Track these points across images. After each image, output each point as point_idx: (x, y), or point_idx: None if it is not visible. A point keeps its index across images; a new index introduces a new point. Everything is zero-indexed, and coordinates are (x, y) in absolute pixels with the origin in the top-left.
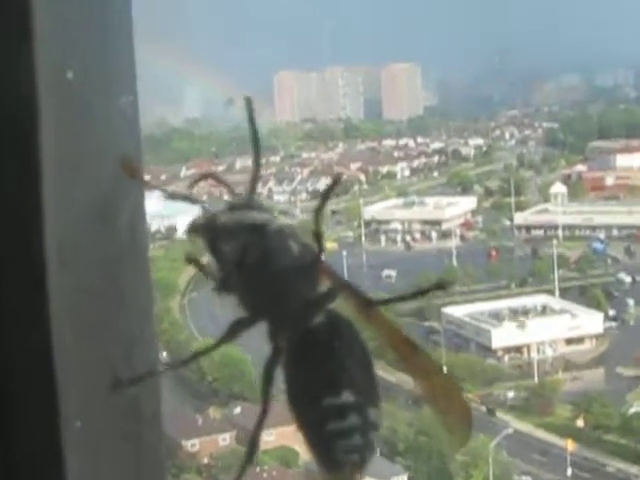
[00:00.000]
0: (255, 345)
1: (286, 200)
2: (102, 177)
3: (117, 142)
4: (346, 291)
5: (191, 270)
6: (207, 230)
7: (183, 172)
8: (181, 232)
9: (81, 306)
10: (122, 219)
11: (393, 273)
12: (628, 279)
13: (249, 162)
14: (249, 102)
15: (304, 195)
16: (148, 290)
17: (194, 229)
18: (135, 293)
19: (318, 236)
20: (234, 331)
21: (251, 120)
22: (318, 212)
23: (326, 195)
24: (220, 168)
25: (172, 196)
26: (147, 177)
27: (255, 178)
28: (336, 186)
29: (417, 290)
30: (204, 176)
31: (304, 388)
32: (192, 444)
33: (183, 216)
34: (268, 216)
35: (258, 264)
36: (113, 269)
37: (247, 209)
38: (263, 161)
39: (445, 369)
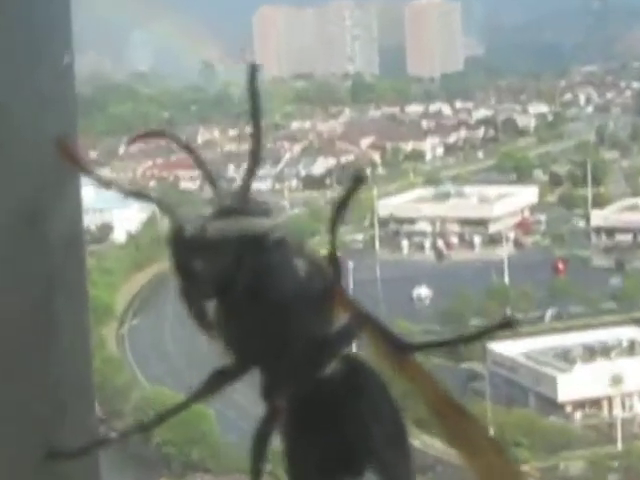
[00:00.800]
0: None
1: (268, 188)
2: (27, 167)
3: (46, 119)
4: (371, 329)
5: (133, 286)
6: (179, 245)
7: (123, 147)
8: (119, 232)
9: None
10: (54, 224)
11: (427, 292)
12: None
13: (216, 133)
14: (253, 70)
15: (294, 182)
16: (84, 320)
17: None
18: (70, 324)
19: (333, 256)
20: (214, 385)
21: (253, 91)
22: (334, 225)
23: (343, 202)
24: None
25: (121, 190)
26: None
27: (252, 169)
28: (358, 188)
29: (474, 332)
30: (150, 135)
31: (311, 464)
32: None
33: (122, 210)
34: (270, 223)
35: (250, 290)
36: (41, 291)
37: (240, 214)
38: (239, 133)
39: (492, 431)
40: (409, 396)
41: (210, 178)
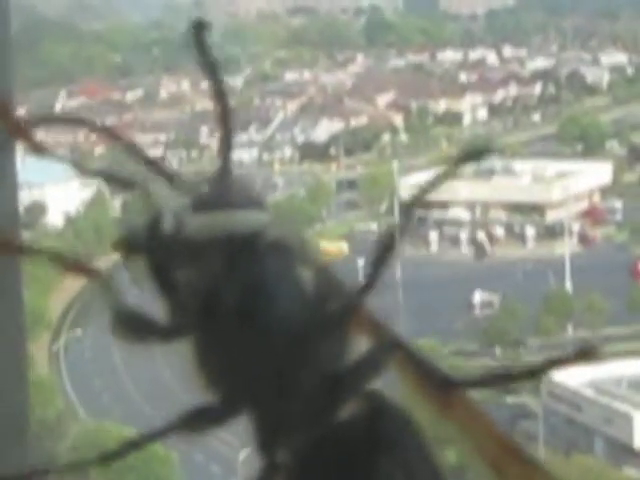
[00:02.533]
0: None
1: (254, 159)
2: None
3: None
4: (402, 360)
5: (71, 287)
6: (153, 246)
7: (61, 101)
8: (54, 215)
9: None
10: None
11: (494, 299)
12: None
13: (185, 86)
14: (199, 28)
15: (288, 151)
16: (19, 331)
17: (132, 243)
18: (3, 337)
19: (379, 266)
20: (189, 425)
21: (205, 56)
22: (405, 219)
23: (426, 190)
24: (130, 96)
25: (85, 169)
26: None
27: (227, 144)
28: (476, 158)
29: (540, 364)
30: (57, 120)
31: None
32: None
33: (58, 185)
34: (263, 217)
35: (241, 309)
36: None
37: (223, 207)
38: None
39: None
40: (454, 445)
41: (161, 171)
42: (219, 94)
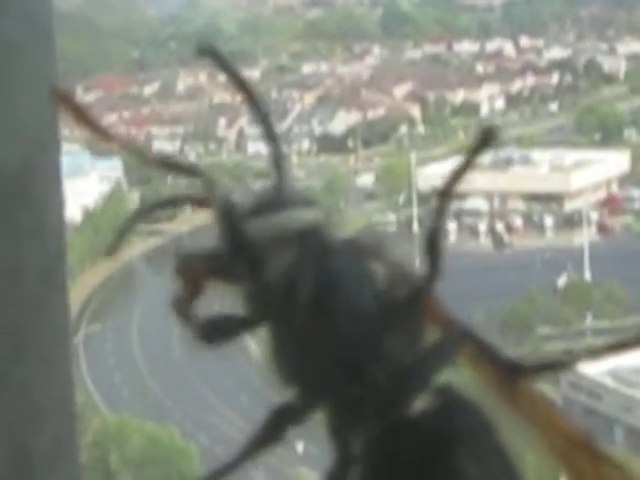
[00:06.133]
0: (209, 420)
1: (270, 153)
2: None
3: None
4: (472, 349)
5: (90, 281)
6: (237, 229)
7: (79, 95)
8: (72, 209)
9: None
10: (30, 217)
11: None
12: None
13: (202, 79)
14: (205, 53)
15: (305, 143)
16: (64, 322)
17: (190, 260)
18: (50, 348)
19: (434, 250)
20: (277, 428)
21: (228, 68)
22: (443, 202)
23: (462, 170)
24: (147, 89)
25: (154, 159)
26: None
27: (279, 154)
28: (487, 145)
29: (607, 345)
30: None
31: None
32: None
33: (76, 179)
34: (319, 214)
35: (311, 305)
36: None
37: (281, 206)
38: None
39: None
40: (525, 437)
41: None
42: (256, 108)
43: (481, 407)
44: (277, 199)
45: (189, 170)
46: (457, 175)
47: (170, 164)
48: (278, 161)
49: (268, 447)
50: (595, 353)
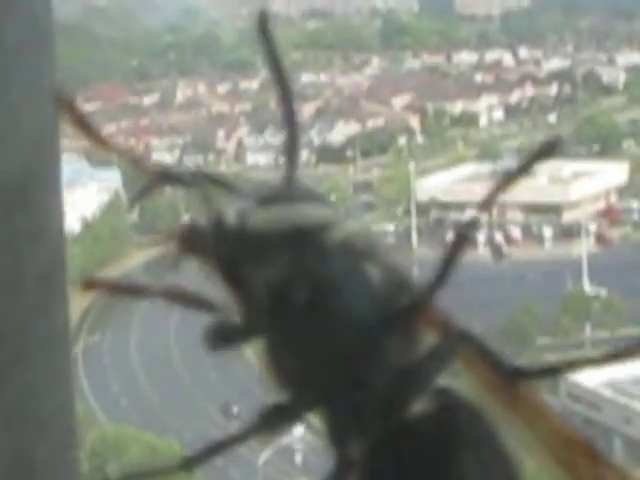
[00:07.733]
0: (207, 430)
1: (269, 162)
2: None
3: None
4: (470, 353)
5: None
6: (220, 240)
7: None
8: (71, 219)
9: None
10: (33, 212)
11: (601, 291)
12: None
13: (201, 89)
14: (263, 19)
15: (305, 153)
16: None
17: (195, 236)
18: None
19: (451, 259)
20: (269, 423)
21: (269, 47)
22: (483, 211)
23: (514, 178)
24: (146, 100)
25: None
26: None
27: (294, 145)
28: (546, 156)
29: (611, 352)
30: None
31: None
32: None
33: (74, 188)
34: (329, 213)
35: (311, 305)
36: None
37: (287, 201)
38: (231, 89)
39: None
40: (524, 441)
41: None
42: (284, 90)
43: (480, 410)
44: (288, 193)
45: (185, 182)
46: (507, 182)
47: (166, 176)
48: (291, 152)
49: (256, 436)
50: (593, 361)
